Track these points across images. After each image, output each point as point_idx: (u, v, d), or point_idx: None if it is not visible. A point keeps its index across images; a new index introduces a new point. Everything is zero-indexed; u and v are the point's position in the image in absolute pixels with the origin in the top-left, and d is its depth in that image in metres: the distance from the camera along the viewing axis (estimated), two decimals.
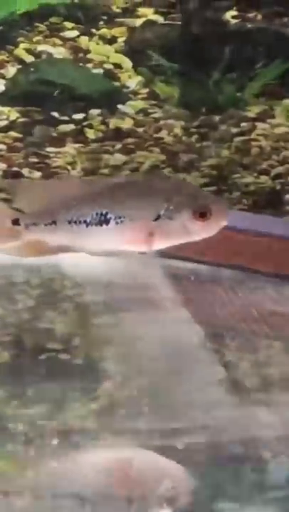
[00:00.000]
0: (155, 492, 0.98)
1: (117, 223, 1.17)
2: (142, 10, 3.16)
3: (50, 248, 1.20)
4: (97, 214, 1.18)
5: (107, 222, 1.18)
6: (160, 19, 3.11)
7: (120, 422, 1.13)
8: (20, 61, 2.93)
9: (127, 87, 2.86)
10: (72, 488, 0.98)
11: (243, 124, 2.71)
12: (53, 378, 1.22)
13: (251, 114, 2.76)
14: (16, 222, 1.19)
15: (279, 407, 1.13)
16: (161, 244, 1.20)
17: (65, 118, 2.69)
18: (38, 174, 2.43)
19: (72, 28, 3.08)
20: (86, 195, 1.18)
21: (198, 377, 1.22)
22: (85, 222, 1.18)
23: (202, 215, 1.17)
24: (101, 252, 1.21)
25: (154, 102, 2.80)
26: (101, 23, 3.11)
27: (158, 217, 1.18)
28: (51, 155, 2.52)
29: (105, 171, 2.44)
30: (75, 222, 1.18)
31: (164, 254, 1.47)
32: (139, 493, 0.98)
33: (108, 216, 1.18)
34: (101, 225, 1.18)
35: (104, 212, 1.18)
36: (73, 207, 1.18)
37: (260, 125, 2.71)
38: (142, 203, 1.18)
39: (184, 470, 1.04)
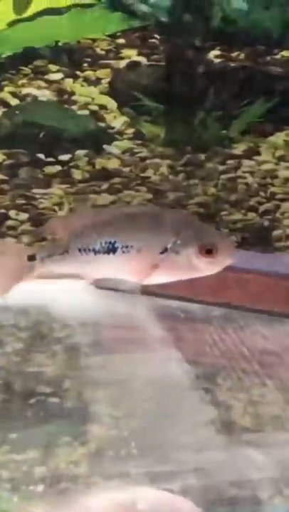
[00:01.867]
0: None
1: (123, 252, 1.17)
2: (125, 51, 3.19)
3: (60, 275, 1.20)
4: (105, 242, 1.18)
5: (114, 250, 1.18)
6: (144, 60, 3.14)
7: (111, 465, 1.11)
8: (5, 104, 2.94)
9: (113, 128, 2.88)
10: None
11: (229, 162, 2.72)
12: (44, 422, 1.21)
13: (237, 152, 2.78)
14: (31, 257, 1.20)
15: (271, 447, 1.12)
16: (165, 277, 1.19)
17: (51, 159, 2.70)
18: (25, 216, 2.43)
19: (57, 71, 3.10)
20: (96, 223, 1.19)
21: (189, 418, 1.20)
22: (93, 250, 1.18)
23: (208, 251, 1.17)
24: (105, 281, 1.21)
25: (139, 142, 2.81)
26: (85, 65, 3.14)
27: (165, 250, 1.17)
28: (38, 196, 2.52)
29: None
30: (85, 250, 1.18)
31: (152, 292, 1.46)
32: None
33: (116, 245, 1.18)
34: (108, 253, 1.18)
35: (112, 241, 1.18)
36: (83, 235, 1.18)
37: (246, 162, 2.73)
38: (150, 234, 1.17)
39: (193, 505, 1.03)
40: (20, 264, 1.19)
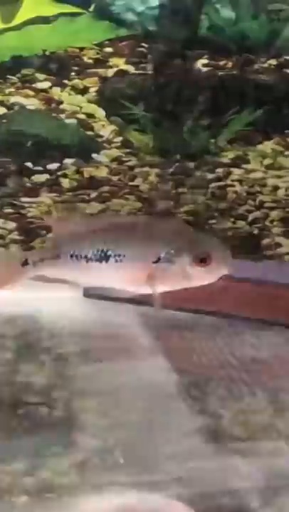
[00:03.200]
0: None
1: (116, 261, 1.17)
2: (113, 60, 3.19)
3: (52, 279, 1.20)
4: (98, 250, 1.18)
5: (106, 259, 1.17)
6: (132, 69, 3.14)
7: (100, 475, 1.10)
8: None
9: (101, 136, 2.87)
10: None
11: (218, 170, 2.72)
12: (32, 432, 1.20)
13: (226, 160, 2.78)
14: (25, 262, 1.20)
15: (259, 456, 1.11)
16: (160, 286, 1.18)
17: (39, 168, 2.69)
18: (13, 225, 2.42)
19: (45, 79, 3.10)
20: (89, 231, 1.18)
21: (177, 426, 1.20)
22: (85, 257, 1.18)
23: (202, 260, 1.15)
24: (98, 290, 1.21)
25: (128, 151, 2.81)
26: (73, 73, 3.14)
27: (158, 260, 1.17)
28: (26, 205, 2.51)
29: None
30: (77, 256, 1.18)
31: (140, 302, 1.46)
32: None
33: (108, 253, 1.17)
34: (101, 261, 1.17)
35: (104, 249, 1.17)
36: (76, 242, 1.18)
37: (235, 171, 2.72)
38: (143, 244, 1.17)
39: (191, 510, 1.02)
40: (14, 270, 1.20)
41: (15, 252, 1.25)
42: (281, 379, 1.32)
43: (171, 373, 1.33)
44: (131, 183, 2.64)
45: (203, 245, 1.16)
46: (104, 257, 1.17)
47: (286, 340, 1.44)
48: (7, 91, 3.04)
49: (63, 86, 3.08)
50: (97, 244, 1.18)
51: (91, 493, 1.07)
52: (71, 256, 1.18)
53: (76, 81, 3.10)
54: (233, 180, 2.68)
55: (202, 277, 1.17)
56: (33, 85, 3.07)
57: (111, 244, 1.17)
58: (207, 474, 1.07)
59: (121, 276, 1.18)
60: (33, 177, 2.65)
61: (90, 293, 1.51)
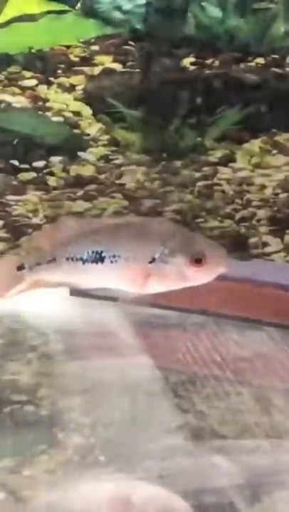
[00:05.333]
0: None
1: (111, 262, 1.17)
2: (99, 58, 3.19)
3: (49, 283, 1.20)
4: (92, 252, 1.18)
5: (101, 260, 1.18)
6: (118, 67, 3.14)
7: (87, 473, 1.10)
8: None
9: (88, 135, 2.87)
10: None
11: (205, 169, 2.72)
12: (19, 431, 1.20)
13: (213, 159, 2.78)
14: (21, 267, 1.20)
15: (240, 454, 1.12)
16: (155, 287, 1.19)
17: (26, 166, 2.68)
18: None
19: (31, 77, 3.09)
20: (84, 233, 1.19)
21: (160, 425, 1.19)
22: (81, 259, 1.18)
23: (198, 260, 1.16)
24: (98, 291, 1.21)
25: (115, 149, 2.81)
26: (59, 71, 3.14)
27: (153, 260, 1.17)
28: (12, 203, 2.51)
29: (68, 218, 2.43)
30: (72, 258, 1.19)
31: (125, 300, 1.45)
32: None
33: (103, 255, 1.18)
34: (96, 263, 1.18)
35: (99, 250, 1.18)
36: (71, 244, 1.18)
37: (222, 169, 2.73)
38: (138, 244, 1.17)
39: (186, 503, 1.02)
40: (11, 276, 1.20)
41: (10, 256, 1.25)
42: (266, 377, 1.32)
43: (156, 371, 1.33)
44: (117, 182, 2.64)
45: (198, 245, 1.17)
46: (99, 258, 1.18)
47: (272, 338, 1.44)
48: None
49: (50, 84, 3.08)
50: (91, 245, 1.18)
51: (76, 491, 1.07)
52: (67, 258, 1.19)
53: (62, 79, 3.10)
54: (220, 179, 2.68)
55: (198, 277, 1.17)
56: (20, 83, 3.07)
57: (105, 246, 1.18)
58: (190, 472, 1.07)
59: (116, 277, 1.18)
60: (19, 175, 2.65)
61: (76, 291, 1.51)
